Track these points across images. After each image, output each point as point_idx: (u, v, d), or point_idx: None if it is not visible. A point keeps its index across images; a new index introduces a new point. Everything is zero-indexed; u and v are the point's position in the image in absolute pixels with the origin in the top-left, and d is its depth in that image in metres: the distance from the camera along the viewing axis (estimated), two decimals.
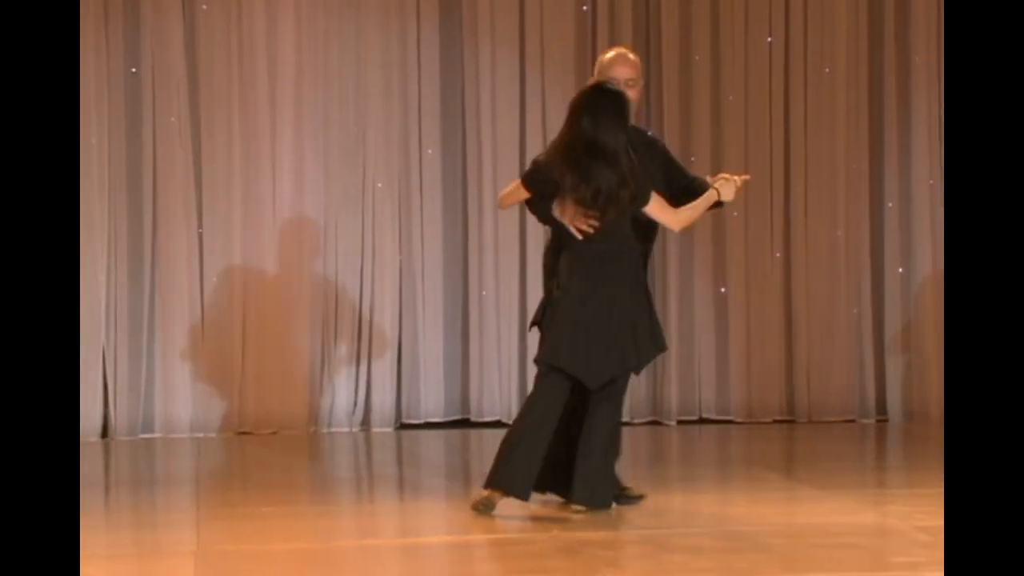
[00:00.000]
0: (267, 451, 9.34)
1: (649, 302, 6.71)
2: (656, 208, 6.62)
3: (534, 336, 10.20)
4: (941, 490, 7.12)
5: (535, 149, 10.26)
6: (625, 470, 7.00)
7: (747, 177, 6.82)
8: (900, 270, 10.46)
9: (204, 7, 9.96)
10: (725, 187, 6.71)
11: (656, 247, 10.25)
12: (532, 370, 10.22)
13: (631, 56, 7.05)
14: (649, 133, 7.17)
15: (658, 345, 6.73)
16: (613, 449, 6.74)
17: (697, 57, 10.35)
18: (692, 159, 10.24)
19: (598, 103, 6.61)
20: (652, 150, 6.91)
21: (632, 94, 6.85)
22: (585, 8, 10.33)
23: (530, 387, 10.26)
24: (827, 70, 10.42)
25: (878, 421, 10.37)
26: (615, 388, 6.70)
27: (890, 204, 10.48)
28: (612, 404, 6.71)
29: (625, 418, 10.20)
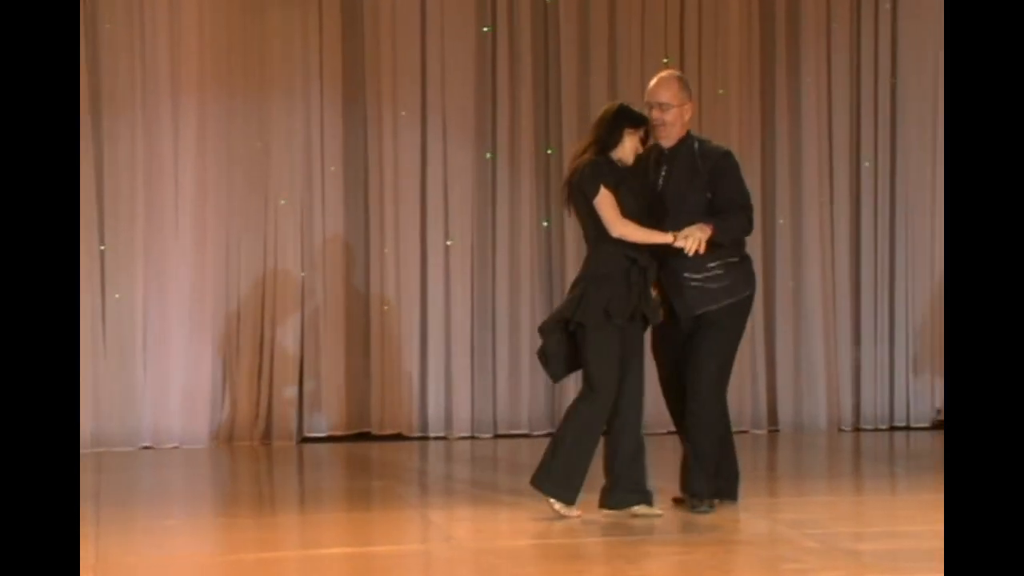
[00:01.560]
0: (169, 465, 9.34)
1: (580, 304, 6.83)
2: (601, 204, 6.84)
3: (434, 349, 10.37)
4: (830, 498, 7.33)
5: (435, 165, 10.39)
6: (515, 481, 7.06)
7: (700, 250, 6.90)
8: (791, 284, 10.68)
9: (108, 26, 9.97)
10: (686, 242, 6.85)
11: (556, 266, 10.50)
12: (432, 382, 10.40)
13: (668, 76, 7.26)
14: (720, 147, 7.23)
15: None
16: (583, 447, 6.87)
17: (595, 77, 10.50)
18: None
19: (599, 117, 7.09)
20: (707, 160, 7.04)
21: (656, 115, 7.08)
22: (486, 29, 10.45)
23: (431, 401, 10.42)
24: (721, 91, 10.63)
25: (770, 432, 10.57)
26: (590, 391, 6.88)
27: (781, 221, 10.69)
28: (582, 398, 6.91)
29: (524, 430, 10.39)
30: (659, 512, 6.86)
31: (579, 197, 6.91)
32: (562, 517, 6.79)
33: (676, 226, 6.88)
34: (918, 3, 10.70)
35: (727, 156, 7.14)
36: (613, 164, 6.93)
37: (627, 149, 6.96)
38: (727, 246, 7.00)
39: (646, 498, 6.90)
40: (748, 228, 7.10)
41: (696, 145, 7.11)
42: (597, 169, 6.87)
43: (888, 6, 10.73)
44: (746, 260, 7.12)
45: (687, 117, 7.14)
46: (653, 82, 7.24)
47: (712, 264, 6.98)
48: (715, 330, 6.99)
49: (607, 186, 6.84)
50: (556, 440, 6.91)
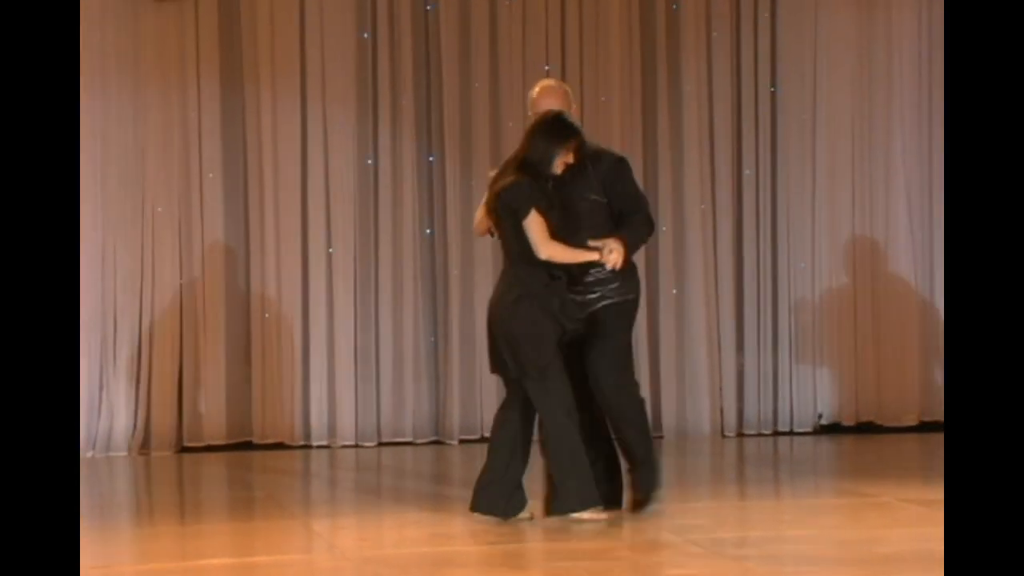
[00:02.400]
0: None
1: (533, 319, 6.79)
2: (530, 226, 6.81)
3: (317, 357, 10.29)
4: (714, 503, 7.37)
5: (316, 172, 10.32)
6: (399, 490, 7.02)
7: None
8: (674, 291, 10.73)
9: None
10: (611, 256, 6.86)
11: (439, 273, 10.46)
12: (315, 391, 10.31)
13: (554, 85, 7.23)
14: (614, 152, 7.23)
15: (520, 367, 6.86)
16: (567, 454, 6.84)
17: (476, 85, 10.49)
18: (472, 183, 10.39)
19: (536, 127, 6.93)
20: (599, 164, 7.01)
21: None
22: (366, 35, 10.40)
23: (312, 408, 10.34)
24: (603, 98, 10.66)
25: (653, 438, 10.57)
26: (535, 397, 6.84)
27: (664, 228, 10.73)
28: (542, 412, 6.84)
29: (408, 438, 10.34)
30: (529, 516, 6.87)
31: (507, 214, 6.85)
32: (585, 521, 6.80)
33: (573, 233, 6.88)
34: (797, 13, 10.82)
35: (621, 162, 7.12)
36: (545, 185, 6.88)
37: (558, 164, 6.93)
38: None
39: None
40: (650, 231, 7.16)
41: (589, 151, 7.03)
42: (531, 190, 6.83)
43: (767, 15, 10.83)
44: (632, 264, 7.12)
45: None
46: (537, 91, 7.20)
47: (594, 271, 6.97)
48: (600, 336, 6.99)
49: (539, 209, 6.82)
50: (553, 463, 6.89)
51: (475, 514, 6.86)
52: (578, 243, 6.85)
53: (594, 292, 6.99)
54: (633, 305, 7.13)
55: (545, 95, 7.15)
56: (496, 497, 6.85)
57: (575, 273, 6.96)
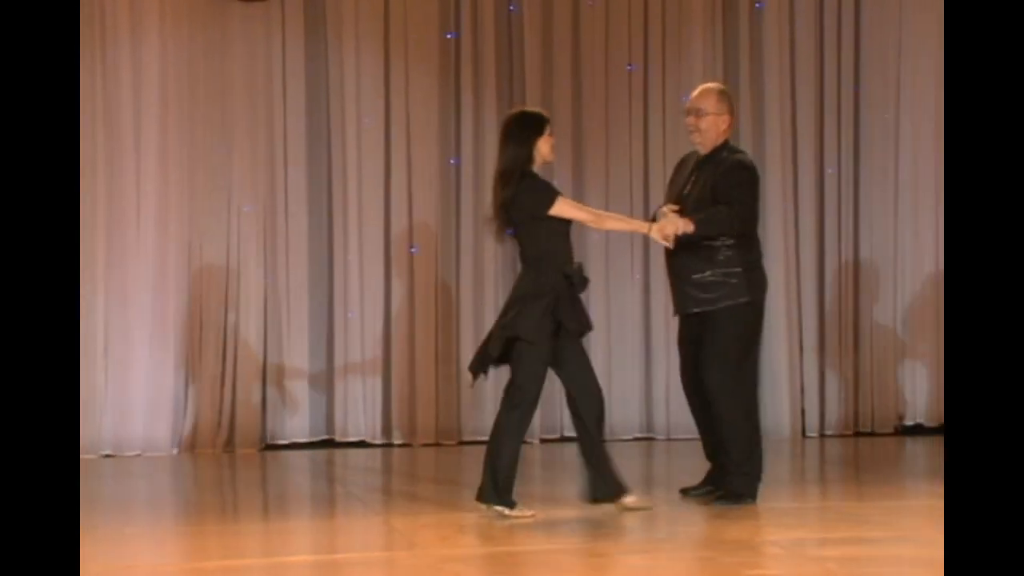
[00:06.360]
0: (130, 473, 9.29)
1: (524, 317, 6.85)
2: (566, 210, 6.94)
3: (399, 356, 10.34)
4: (793, 504, 7.33)
5: (399, 171, 10.38)
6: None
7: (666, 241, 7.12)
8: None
9: None
10: (659, 234, 7.07)
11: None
12: (396, 390, 10.36)
13: (707, 86, 7.52)
14: (744, 158, 7.37)
15: (481, 364, 6.99)
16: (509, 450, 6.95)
17: (559, 85, 10.51)
18: (555, 181, 10.38)
19: (503, 129, 7.08)
20: (724, 163, 7.24)
21: (691, 120, 7.35)
22: (449, 36, 10.44)
23: (394, 407, 10.38)
24: (685, 97, 10.60)
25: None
26: (512, 389, 6.93)
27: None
28: (509, 407, 6.93)
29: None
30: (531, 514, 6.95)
31: (523, 218, 6.93)
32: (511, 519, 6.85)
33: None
34: (881, 10, 10.74)
35: (739, 163, 7.30)
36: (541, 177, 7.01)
37: (544, 153, 6.99)
38: (734, 252, 7.17)
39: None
40: (731, 224, 7.19)
41: (726, 155, 7.32)
42: (536, 185, 6.93)
43: (851, 12, 10.77)
44: (754, 269, 7.29)
45: (723, 127, 7.36)
46: (695, 91, 7.48)
47: (719, 268, 7.19)
48: (715, 333, 7.19)
49: (557, 191, 6.96)
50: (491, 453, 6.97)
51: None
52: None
53: (707, 293, 7.18)
54: (745, 309, 7.22)
55: (697, 94, 7.44)
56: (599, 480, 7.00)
57: (682, 275, 7.16)
